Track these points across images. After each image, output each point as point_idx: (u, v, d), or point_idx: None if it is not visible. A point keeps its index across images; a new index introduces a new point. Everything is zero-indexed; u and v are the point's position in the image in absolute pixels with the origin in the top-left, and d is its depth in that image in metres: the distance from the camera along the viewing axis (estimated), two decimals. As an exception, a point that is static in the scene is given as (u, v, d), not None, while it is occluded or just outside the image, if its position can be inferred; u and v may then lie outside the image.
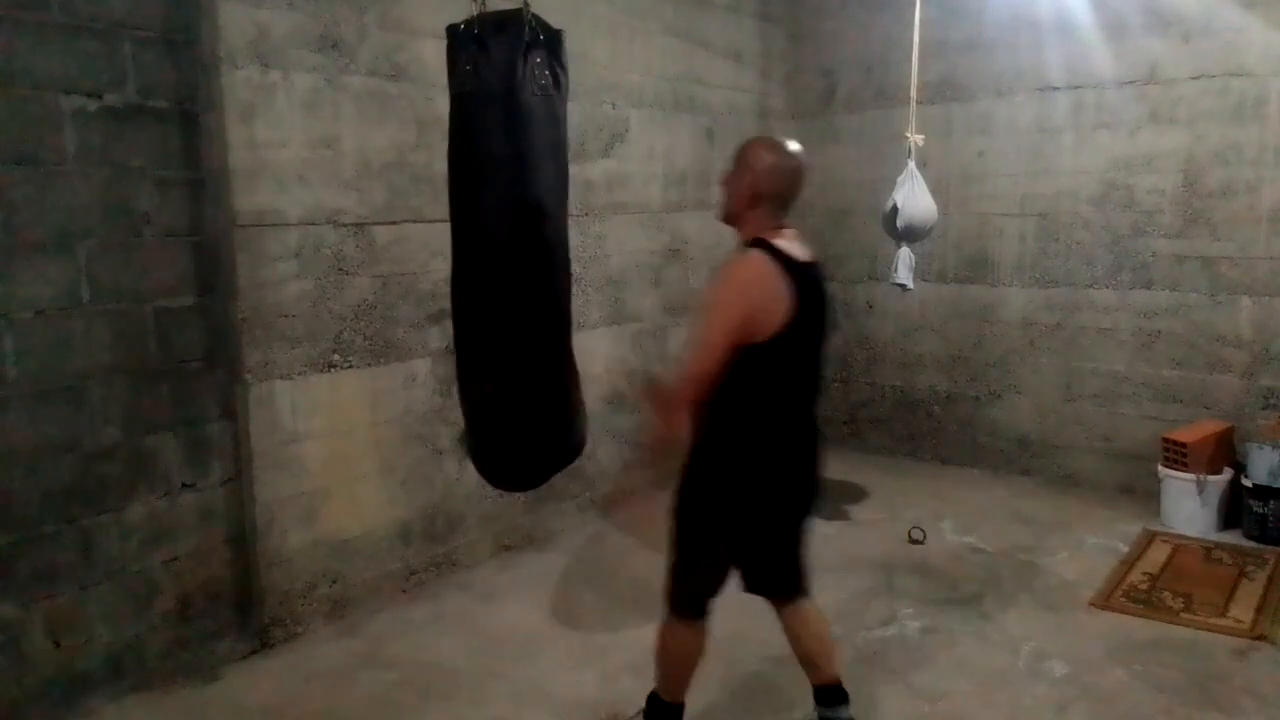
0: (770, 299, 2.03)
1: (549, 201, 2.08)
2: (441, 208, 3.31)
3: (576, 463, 2.33)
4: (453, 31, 2.03)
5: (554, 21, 2.05)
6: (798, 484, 2.26)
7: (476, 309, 2.11)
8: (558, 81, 2.10)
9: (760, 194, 2.12)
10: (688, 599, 2.28)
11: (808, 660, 2.39)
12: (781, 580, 2.38)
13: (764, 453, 2.14)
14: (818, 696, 2.41)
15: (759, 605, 2.42)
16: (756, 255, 2.07)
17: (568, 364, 2.16)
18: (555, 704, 2.72)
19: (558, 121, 2.12)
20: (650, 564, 3.70)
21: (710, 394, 2.08)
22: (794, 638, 2.39)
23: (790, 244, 2.13)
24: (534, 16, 2.05)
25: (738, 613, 2.49)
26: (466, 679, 2.85)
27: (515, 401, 2.05)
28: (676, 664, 2.34)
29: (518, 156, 2.01)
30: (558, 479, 4.23)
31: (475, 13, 2.00)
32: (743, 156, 2.16)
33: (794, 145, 2.19)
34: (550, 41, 2.06)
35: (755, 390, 2.09)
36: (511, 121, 2.00)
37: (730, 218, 2.21)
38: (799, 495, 2.28)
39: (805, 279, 2.10)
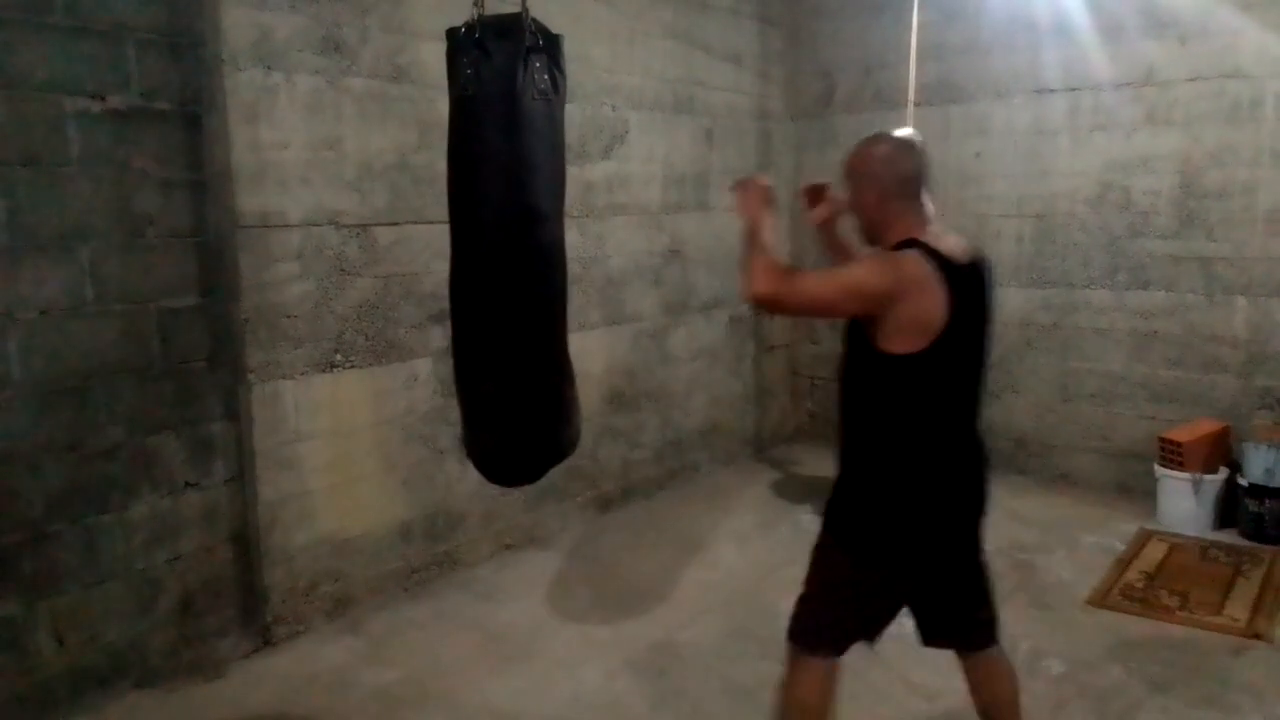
0: (927, 301, 1.79)
1: (546, 204, 2.10)
2: (443, 209, 3.31)
3: (571, 459, 2.33)
4: (453, 35, 2.05)
5: (554, 24, 2.07)
6: (969, 510, 2.03)
7: (474, 309, 2.13)
8: (556, 85, 2.12)
9: (886, 193, 1.93)
10: (818, 633, 2.01)
11: (990, 717, 2.13)
12: (963, 625, 2.12)
13: (933, 477, 1.92)
14: None
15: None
16: (911, 254, 1.82)
17: (563, 363, 2.16)
18: (556, 702, 2.73)
19: (556, 125, 2.15)
20: (650, 562, 3.73)
21: (872, 414, 1.92)
22: (977, 690, 2.13)
23: (945, 240, 1.90)
24: (534, 20, 2.07)
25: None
26: (467, 677, 2.87)
27: (511, 399, 2.04)
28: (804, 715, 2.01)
29: (517, 160, 2.03)
30: (558, 478, 4.25)
31: (475, 16, 2.01)
32: (850, 167, 1.98)
33: (901, 131, 2.03)
34: (550, 46, 2.08)
35: (919, 407, 1.87)
36: (511, 125, 2.02)
37: (872, 235, 1.98)
38: (971, 522, 2.05)
39: (966, 279, 1.87)
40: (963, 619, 2.12)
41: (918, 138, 2.05)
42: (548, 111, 2.09)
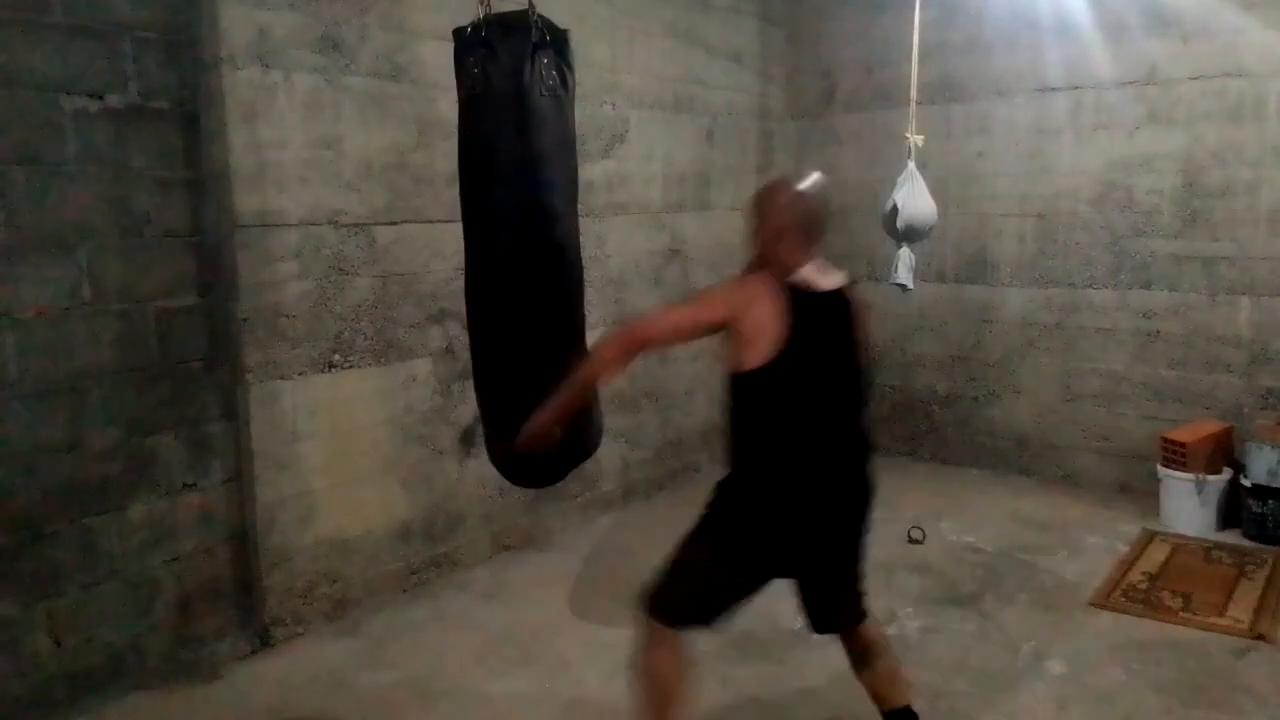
0: (762, 319, 1.95)
1: (559, 202, 2.09)
2: (442, 208, 3.35)
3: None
4: (459, 34, 2.04)
5: (555, 22, 2.06)
6: (827, 514, 2.15)
7: (490, 310, 2.12)
8: (565, 81, 2.12)
9: (778, 233, 2.07)
10: (663, 604, 2.15)
11: (876, 688, 2.29)
12: (839, 614, 2.28)
13: (784, 483, 2.05)
14: None
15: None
16: (756, 277, 2.04)
17: (581, 359, 2.16)
18: (556, 703, 2.72)
19: (566, 121, 2.14)
20: (651, 563, 3.71)
21: (735, 423, 2.07)
22: (858, 665, 2.30)
23: (813, 273, 2.07)
24: (540, 17, 2.06)
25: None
26: (467, 679, 2.86)
27: (530, 399, 2.04)
28: (666, 692, 2.14)
29: (528, 158, 2.02)
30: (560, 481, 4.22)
31: (481, 15, 2.00)
32: (756, 203, 2.14)
33: (809, 179, 2.15)
34: (557, 42, 2.08)
35: (767, 416, 2.02)
36: (521, 123, 2.02)
37: (760, 265, 2.11)
38: (832, 525, 2.18)
39: (820, 303, 2.04)
40: (838, 609, 2.27)
41: (820, 186, 2.14)
42: (557, 108, 2.09)
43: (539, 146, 2.01)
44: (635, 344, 2.04)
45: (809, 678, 2.83)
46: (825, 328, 2.07)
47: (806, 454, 2.05)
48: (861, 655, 2.29)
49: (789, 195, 2.11)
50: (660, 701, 2.13)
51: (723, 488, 2.13)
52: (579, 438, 2.19)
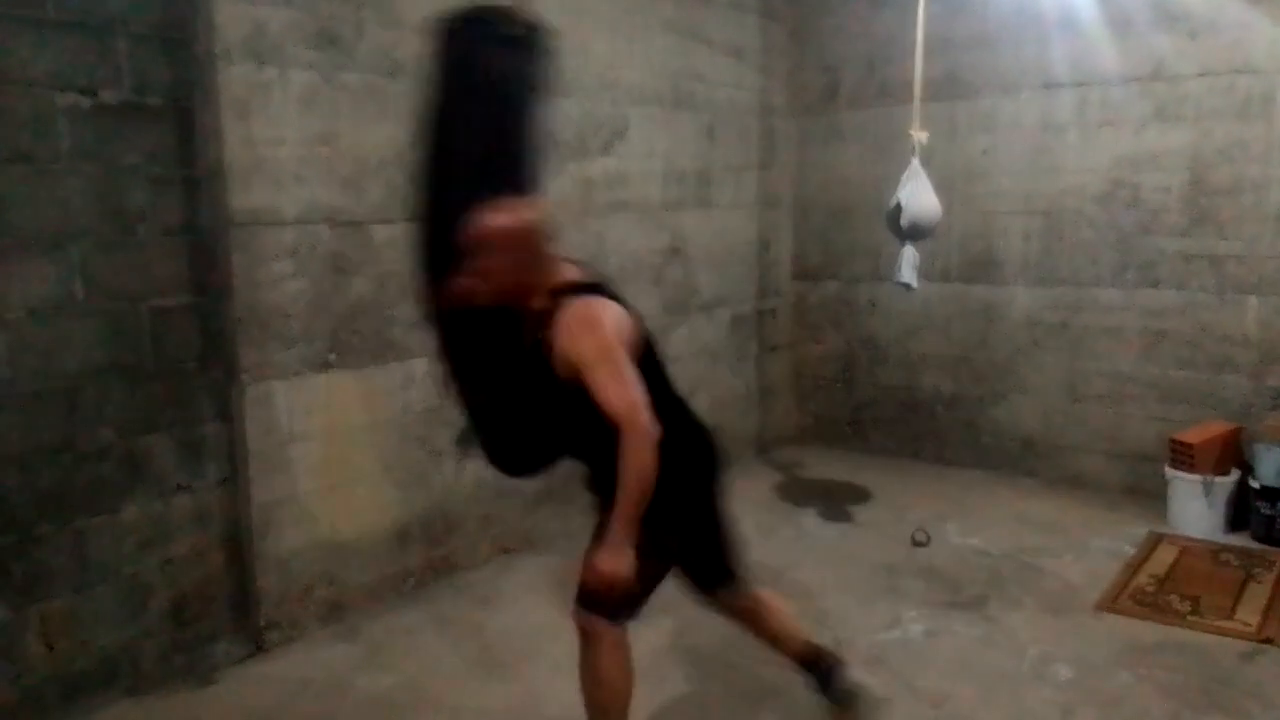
0: (625, 325, 2.05)
1: (517, 195, 2.09)
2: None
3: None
4: (437, 22, 2.06)
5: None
6: (702, 483, 2.26)
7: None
8: (536, 78, 2.14)
9: (526, 252, 2.04)
10: (627, 601, 2.18)
11: (779, 636, 2.40)
12: (723, 565, 2.33)
13: (684, 449, 2.13)
14: (804, 668, 2.42)
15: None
16: (588, 299, 2.04)
17: None
18: (555, 708, 2.69)
19: (533, 119, 2.14)
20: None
21: (602, 431, 2.04)
22: (751, 621, 2.39)
23: (581, 272, 2.13)
24: (522, 13, 2.08)
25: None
26: (465, 683, 2.83)
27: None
28: (617, 693, 2.21)
29: (489, 153, 2.01)
30: (557, 481, 4.19)
31: (464, 6, 2.03)
32: (483, 237, 2.01)
33: (519, 200, 2.08)
34: (532, 39, 2.09)
35: (656, 400, 2.04)
36: (485, 116, 2.03)
37: (519, 298, 2.08)
38: (705, 492, 2.27)
39: (616, 296, 2.13)
40: (721, 558, 2.31)
41: (538, 204, 2.12)
42: (524, 105, 2.10)
43: (502, 141, 2.00)
44: (649, 425, 1.98)
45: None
46: (636, 317, 2.15)
47: (679, 431, 2.11)
48: (756, 607, 2.38)
49: (512, 219, 2.03)
50: (619, 703, 2.19)
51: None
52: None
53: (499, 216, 2.01)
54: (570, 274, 2.11)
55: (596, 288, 2.10)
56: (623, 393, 1.95)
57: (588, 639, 2.19)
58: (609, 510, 2.05)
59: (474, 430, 2.30)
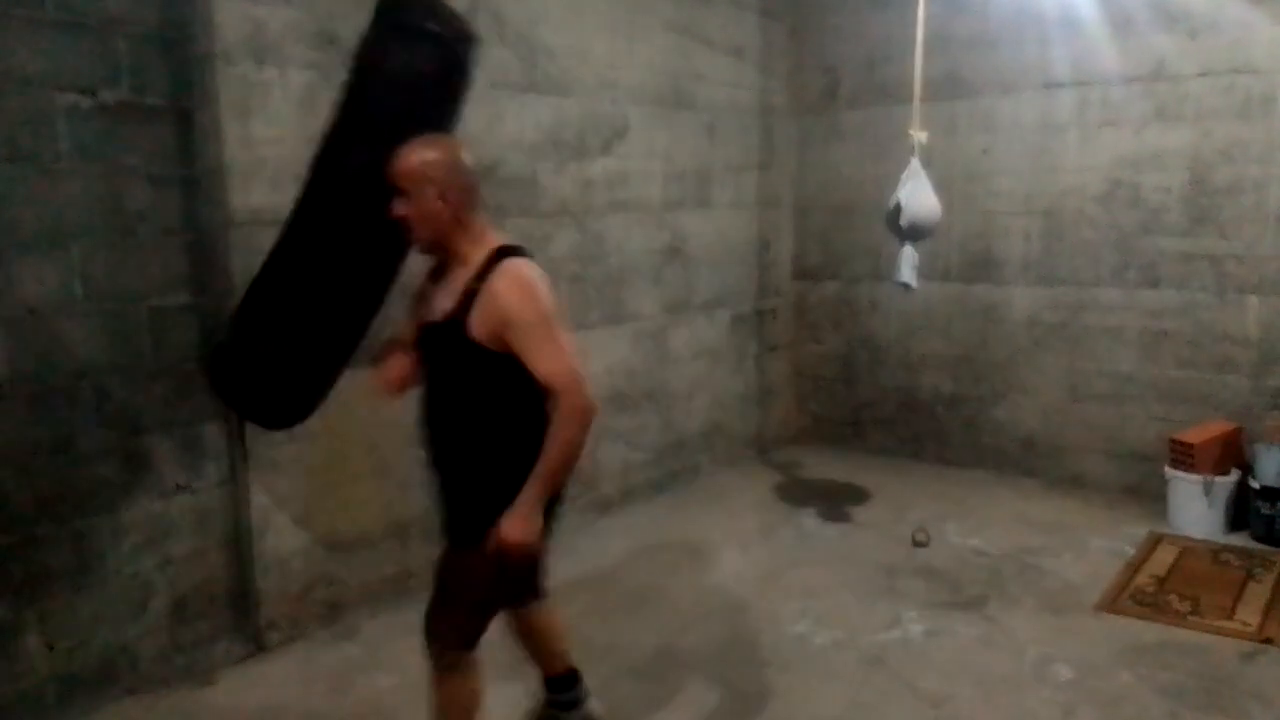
0: (554, 295, 1.96)
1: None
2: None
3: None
4: (378, 8, 2.17)
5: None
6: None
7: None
8: (455, 83, 2.23)
9: (461, 202, 1.94)
10: (479, 630, 2.09)
11: (553, 654, 2.39)
12: (540, 578, 2.26)
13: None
14: (556, 686, 2.43)
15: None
16: (521, 261, 1.94)
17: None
18: (554, 708, 2.69)
19: (446, 119, 2.24)
20: (651, 566, 3.68)
21: (501, 405, 1.95)
22: (539, 637, 2.36)
23: (505, 236, 2.02)
24: (457, 16, 2.14)
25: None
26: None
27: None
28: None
29: (393, 140, 2.01)
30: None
31: None
32: (412, 173, 1.91)
33: (440, 136, 2.03)
34: (460, 41, 2.14)
35: (531, 394, 1.94)
36: (402, 109, 2.12)
37: (440, 245, 1.98)
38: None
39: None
40: (540, 571, 2.24)
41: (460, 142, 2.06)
42: (432, 102, 2.20)
43: (410, 132, 2.01)
44: (588, 395, 1.91)
45: (812, 681, 2.79)
46: None
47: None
48: (545, 622, 2.37)
49: (451, 155, 1.96)
50: None
51: (487, 485, 1.98)
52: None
53: (419, 150, 1.93)
54: (497, 236, 2.01)
55: (523, 252, 1.99)
56: (564, 359, 1.88)
57: (446, 670, 2.08)
58: (469, 495, 1.97)
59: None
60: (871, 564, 3.67)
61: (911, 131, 3.91)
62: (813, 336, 5.41)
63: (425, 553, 3.48)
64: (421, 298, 2.09)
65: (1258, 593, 3.34)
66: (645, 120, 4.24)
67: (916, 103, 3.87)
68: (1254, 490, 3.82)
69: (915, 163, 3.88)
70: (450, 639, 2.08)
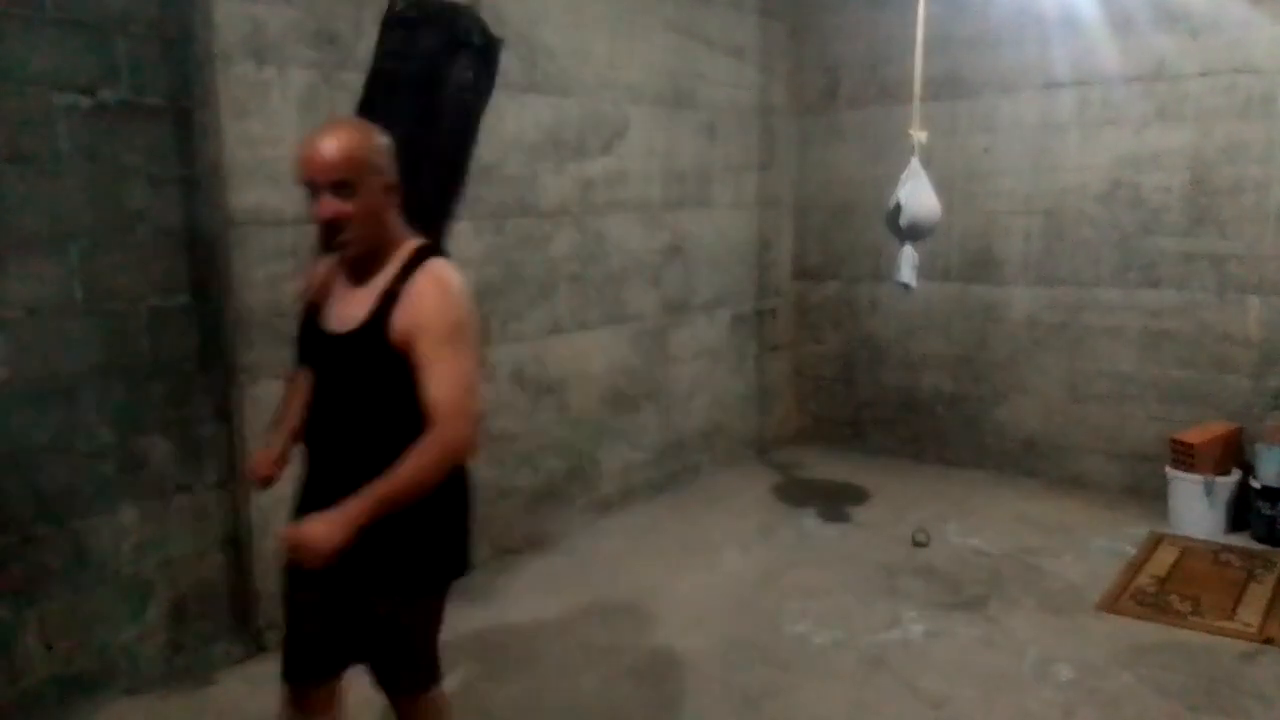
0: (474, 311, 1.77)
1: (437, 201, 2.09)
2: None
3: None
4: (389, 10, 2.10)
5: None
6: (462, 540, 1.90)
7: None
8: (480, 86, 2.15)
9: (391, 191, 1.70)
10: (437, 665, 1.90)
11: None
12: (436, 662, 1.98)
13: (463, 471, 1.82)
14: None
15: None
16: (447, 264, 1.74)
17: None
18: (554, 710, 2.69)
19: (473, 123, 2.17)
20: (651, 567, 3.68)
21: (403, 423, 1.67)
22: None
23: (423, 237, 1.80)
24: (478, 17, 2.11)
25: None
26: (463, 684, 2.82)
27: None
28: None
29: (421, 148, 1.99)
30: (558, 481, 4.18)
31: None
32: (359, 161, 1.63)
33: (352, 121, 1.81)
34: (484, 44, 2.11)
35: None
36: (425, 112, 2.05)
37: (373, 246, 1.69)
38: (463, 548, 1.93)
39: None
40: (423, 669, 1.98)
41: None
42: (466, 108, 2.12)
43: (437, 141, 1.99)
44: (475, 436, 1.72)
45: (812, 682, 2.79)
46: None
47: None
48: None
49: (385, 139, 1.71)
50: None
51: (410, 515, 1.68)
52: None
53: (354, 133, 1.67)
54: (414, 236, 1.78)
55: (446, 254, 1.80)
56: (458, 388, 1.64)
57: (428, 707, 1.90)
58: (392, 529, 1.66)
59: None
60: (872, 564, 3.66)
61: (912, 131, 3.90)
62: (813, 336, 5.41)
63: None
64: (316, 310, 1.78)
65: (1258, 593, 3.34)
66: (645, 120, 4.24)
67: (917, 102, 3.86)
68: (1255, 490, 3.81)
69: (915, 162, 3.87)
70: (426, 674, 1.88)
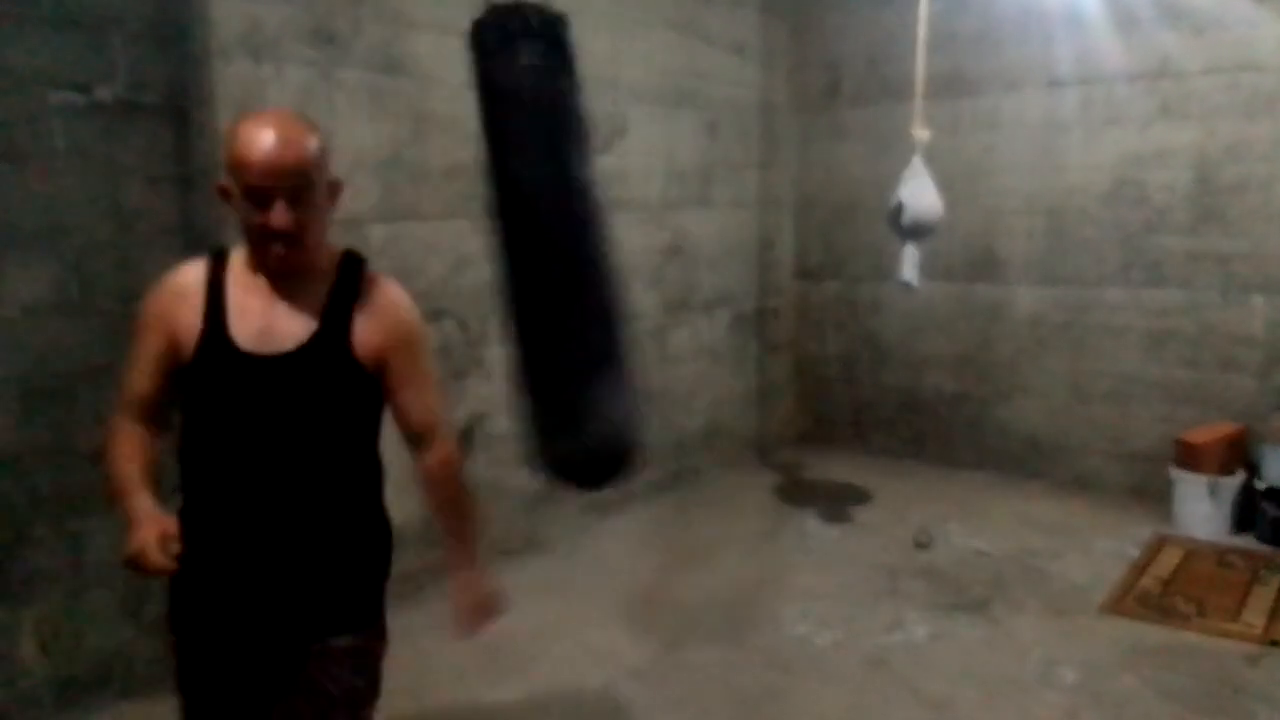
0: None
1: (582, 173, 2.07)
2: (438, 205, 3.29)
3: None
4: (475, 24, 2.08)
5: (549, 8, 2.05)
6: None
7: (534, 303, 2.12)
8: (557, 68, 2.11)
9: (336, 189, 1.56)
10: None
11: None
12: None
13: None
14: None
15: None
16: (393, 280, 1.64)
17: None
18: (555, 713, 2.67)
19: (567, 109, 2.13)
20: (651, 568, 3.66)
21: (365, 444, 1.65)
22: None
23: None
24: (534, 4, 2.08)
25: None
26: (464, 687, 2.80)
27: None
28: None
29: (542, 143, 2.01)
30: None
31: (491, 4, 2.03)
32: (314, 163, 1.45)
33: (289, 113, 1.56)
34: (550, 27, 2.09)
35: (373, 432, 1.68)
36: (539, 108, 2.05)
37: (310, 259, 1.51)
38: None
39: None
40: None
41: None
42: (561, 93, 2.13)
43: (546, 128, 1.96)
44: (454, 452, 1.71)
45: (813, 683, 2.77)
46: None
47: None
48: None
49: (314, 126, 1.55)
50: None
51: (360, 546, 1.66)
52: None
53: (298, 129, 1.45)
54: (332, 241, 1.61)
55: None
56: (441, 398, 1.62)
57: None
58: (342, 563, 1.60)
59: None
60: (873, 565, 3.64)
61: (914, 130, 3.88)
62: (814, 336, 5.39)
63: (422, 555, 3.45)
64: (210, 332, 1.49)
65: (1263, 595, 3.32)
66: (646, 118, 4.22)
67: (919, 101, 3.84)
68: (1260, 491, 3.79)
69: (917, 161, 3.85)
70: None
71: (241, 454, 1.52)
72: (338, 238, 3.18)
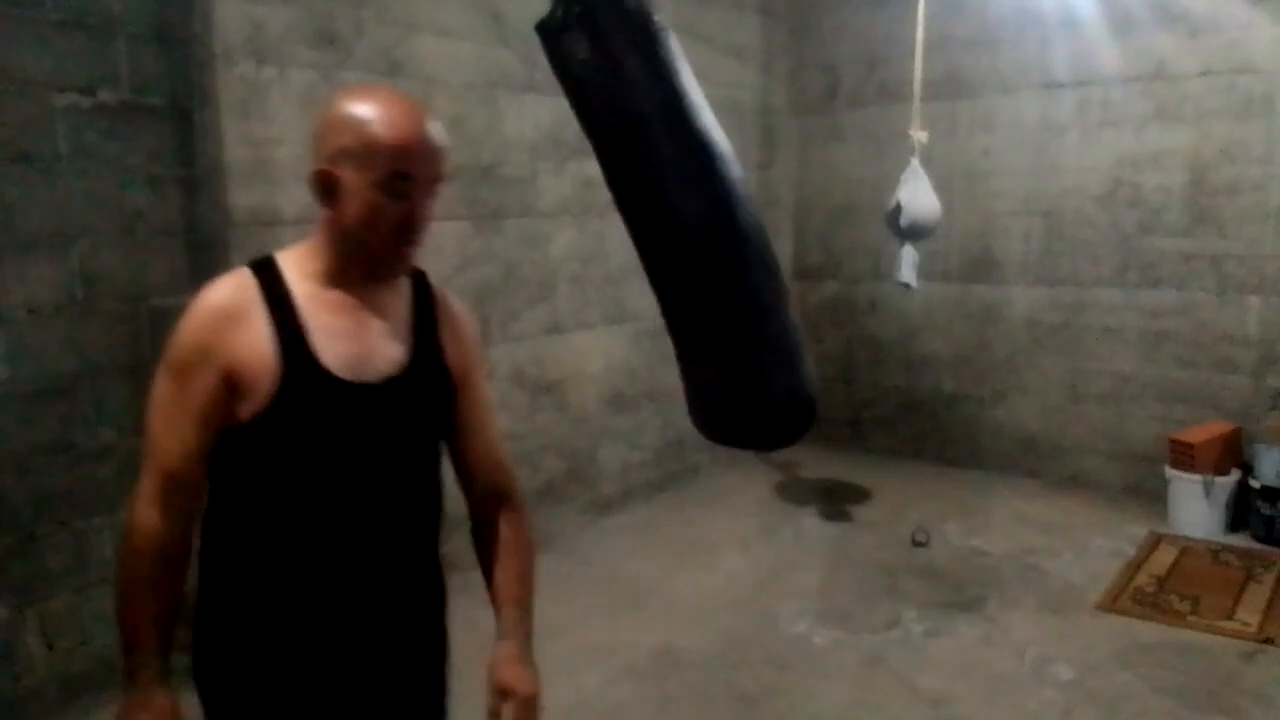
0: None
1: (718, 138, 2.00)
2: (441, 206, 3.30)
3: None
4: (544, 25, 1.94)
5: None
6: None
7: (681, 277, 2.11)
8: (654, 42, 1.97)
9: None
10: None
11: None
12: None
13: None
14: None
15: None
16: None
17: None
18: (554, 710, 2.68)
19: (667, 81, 2.01)
20: (651, 567, 3.68)
21: (432, 477, 1.41)
22: None
23: None
24: None
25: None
26: (464, 684, 2.81)
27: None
28: None
29: (668, 116, 1.95)
30: (556, 480, 4.18)
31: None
32: (447, 153, 1.26)
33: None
34: (585, 11, 1.97)
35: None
36: (648, 84, 1.95)
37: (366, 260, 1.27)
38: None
39: None
40: None
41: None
42: (665, 60, 1.99)
43: (672, 102, 1.92)
44: None
45: (812, 681, 2.79)
46: None
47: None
48: None
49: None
50: None
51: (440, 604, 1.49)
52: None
53: (420, 113, 1.22)
54: None
55: None
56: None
57: None
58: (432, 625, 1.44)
59: None
60: (872, 564, 3.66)
61: (912, 131, 3.91)
62: (813, 336, 5.40)
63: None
64: (298, 363, 1.20)
65: (1258, 593, 3.34)
66: (645, 120, 4.23)
67: (917, 103, 3.87)
68: (1254, 490, 3.81)
69: (915, 163, 3.88)
70: None
71: (345, 506, 1.25)
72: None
